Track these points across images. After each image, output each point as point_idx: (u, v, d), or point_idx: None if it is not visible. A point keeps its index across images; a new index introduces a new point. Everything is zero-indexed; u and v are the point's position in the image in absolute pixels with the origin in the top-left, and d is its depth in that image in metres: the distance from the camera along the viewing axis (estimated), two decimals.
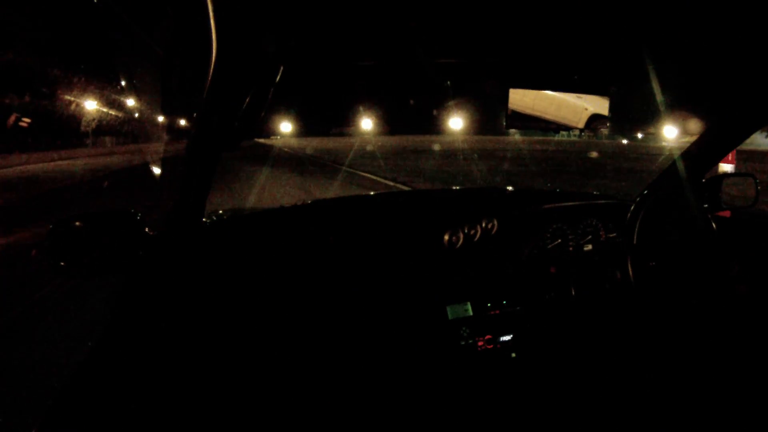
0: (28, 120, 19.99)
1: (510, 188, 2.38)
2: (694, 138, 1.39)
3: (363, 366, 1.35)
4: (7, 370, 2.26)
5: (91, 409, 0.99)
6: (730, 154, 3.85)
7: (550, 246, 1.65)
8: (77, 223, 1.05)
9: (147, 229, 1.11)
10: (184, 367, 1.18)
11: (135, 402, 1.04)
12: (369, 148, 22.37)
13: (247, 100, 0.99)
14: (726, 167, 3.90)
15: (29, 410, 1.70)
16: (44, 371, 2.17)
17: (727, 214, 2.26)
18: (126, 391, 1.05)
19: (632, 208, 1.43)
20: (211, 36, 0.82)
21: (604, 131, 1.43)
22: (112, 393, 1.03)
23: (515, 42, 1.12)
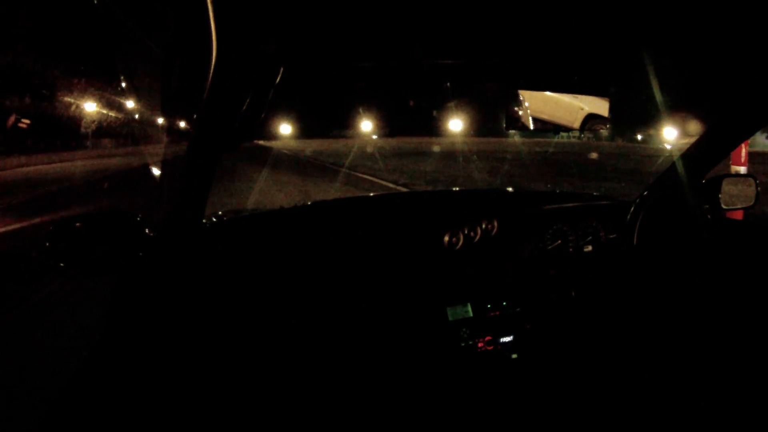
0: (27, 121, 19.89)
1: (510, 189, 2.39)
2: (693, 139, 1.39)
3: (363, 367, 1.35)
4: (7, 371, 2.26)
5: (91, 410, 0.99)
6: (743, 157, 3.83)
7: (550, 247, 1.65)
8: (77, 224, 1.06)
9: (147, 230, 1.11)
10: (183, 369, 1.18)
11: (134, 403, 1.04)
12: (369, 150, 22.30)
13: (248, 101, 0.99)
14: (740, 170, 3.86)
15: (29, 411, 1.71)
16: (44, 372, 2.17)
17: (739, 215, 2.24)
18: (125, 392, 1.05)
19: (632, 208, 1.43)
20: (211, 36, 0.82)
21: (604, 132, 1.42)
22: (111, 394, 1.03)
23: (516, 43, 1.12)
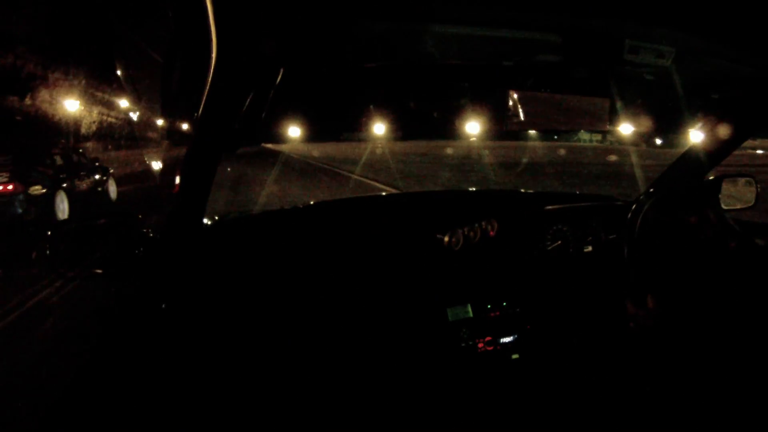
0: None
1: (510, 189, 2.38)
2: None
3: (363, 368, 1.36)
4: (8, 372, 2.26)
5: (91, 411, 1.00)
6: None
7: (550, 247, 1.64)
8: (77, 225, 1.07)
9: (147, 230, 1.13)
10: (184, 369, 1.19)
11: (135, 404, 1.06)
12: (382, 154, 21.99)
13: (247, 102, 1.01)
14: None
15: (29, 412, 1.71)
16: (44, 373, 2.18)
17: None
18: (126, 394, 1.06)
19: (632, 209, 1.41)
20: (211, 38, 0.84)
21: (609, 136, 1.41)
22: (112, 395, 1.04)
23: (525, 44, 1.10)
